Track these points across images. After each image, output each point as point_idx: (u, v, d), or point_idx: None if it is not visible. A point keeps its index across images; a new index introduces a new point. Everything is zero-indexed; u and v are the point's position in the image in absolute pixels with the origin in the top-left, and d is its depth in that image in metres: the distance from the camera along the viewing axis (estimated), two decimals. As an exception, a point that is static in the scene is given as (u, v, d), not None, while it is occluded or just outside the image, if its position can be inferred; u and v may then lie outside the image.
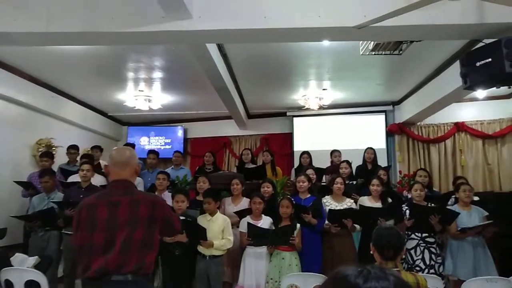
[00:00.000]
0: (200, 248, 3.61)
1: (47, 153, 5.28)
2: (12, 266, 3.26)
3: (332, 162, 5.85)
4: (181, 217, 3.56)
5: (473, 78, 3.38)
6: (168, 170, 5.63)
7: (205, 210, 3.76)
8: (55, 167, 5.30)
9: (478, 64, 3.26)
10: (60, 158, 5.67)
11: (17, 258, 3.41)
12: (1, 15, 3.36)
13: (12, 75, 5.33)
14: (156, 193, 4.60)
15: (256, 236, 3.60)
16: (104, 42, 4.06)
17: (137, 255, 1.95)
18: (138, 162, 2.21)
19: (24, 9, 3.37)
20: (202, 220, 3.69)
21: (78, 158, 5.56)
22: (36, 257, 3.56)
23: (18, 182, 4.91)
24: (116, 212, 1.98)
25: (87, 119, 7.24)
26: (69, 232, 3.78)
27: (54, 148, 5.99)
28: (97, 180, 4.71)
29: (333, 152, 5.93)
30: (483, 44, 3.40)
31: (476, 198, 4.25)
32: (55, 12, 3.37)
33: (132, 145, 6.41)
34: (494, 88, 3.75)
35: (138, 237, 1.96)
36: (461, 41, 4.52)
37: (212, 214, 3.73)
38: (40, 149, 5.80)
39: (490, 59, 3.18)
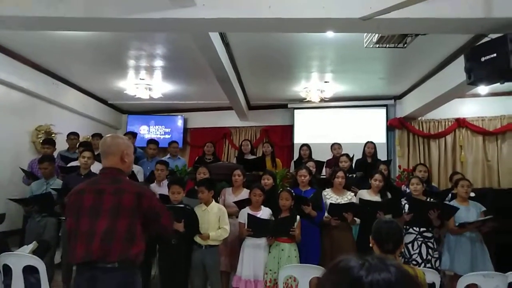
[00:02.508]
0: (197, 238, 3.61)
1: (49, 140, 5.26)
2: (11, 251, 3.27)
3: (333, 155, 5.85)
4: (180, 205, 3.57)
5: (477, 73, 3.36)
6: (165, 159, 5.63)
7: (199, 199, 3.76)
8: (55, 154, 5.29)
9: (483, 59, 3.24)
10: (59, 145, 5.65)
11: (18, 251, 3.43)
12: (2, -2, 3.32)
13: (14, 60, 5.30)
14: (155, 182, 4.60)
15: (256, 227, 3.61)
16: (106, 28, 4.02)
17: (120, 246, 1.94)
18: (124, 149, 2.13)
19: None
20: (198, 210, 3.67)
21: (77, 145, 5.55)
22: (34, 242, 3.57)
23: (23, 170, 4.91)
24: (100, 200, 1.99)
25: (87, 106, 7.21)
26: (68, 219, 3.77)
27: (53, 135, 5.97)
28: (97, 167, 4.69)
29: (333, 145, 5.93)
30: (489, 39, 3.37)
31: (472, 194, 4.25)
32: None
33: (134, 134, 6.39)
34: (497, 84, 3.74)
35: (122, 227, 1.95)
36: (466, 36, 4.48)
37: (207, 203, 3.72)
38: (39, 136, 5.79)
39: (495, 54, 3.16)
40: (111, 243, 1.93)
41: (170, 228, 2.31)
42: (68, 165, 4.99)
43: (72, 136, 5.61)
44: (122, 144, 2.16)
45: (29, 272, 3.04)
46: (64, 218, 4.07)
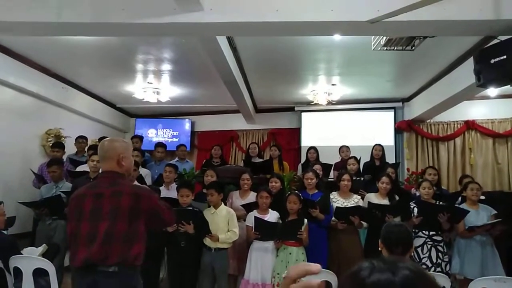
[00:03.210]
0: (206, 241, 3.62)
1: (59, 144, 5.33)
2: (21, 254, 3.30)
3: (341, 158, 5.83)
4: (188, 207, 3.58)
5: (487, 75, 3.32)
6: (173, 162, 5.66)
7: (208, 202, 3.77)
8: (64, 157, 5.35)
9: (492, 61, 3.21)
10: (68, 149, 5.71)
11: (26, 251, 3.46)
12: (13, 4, 3.37)
13: (23, 65, 5.36)
14: (163, 185, 4.62)
15: (263, 230, 3.61)
16: (114, 33, 4.06)
17: (120, 247, 1.95)
18: (120, 153, 2.14)
19: (36, -1, 3.38)
20: (207, 214, 3.69)
21: (86, 149, 5.61)
22: (44, 245, 3.60)
23: (34, 173, 4.96)
24: (100, 203, 2.01)
25: (95, 110, 7.28)
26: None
27: (63, 139, 6.03)
28: (105, 171, 4.74)
29: (341, 148, 5.91)
30: (498, 40, 3.34)
31: (482, 197, 4.21)
32: (66, 2, 3.38)
33: (141, 138, 6.44)
34: (507, 86, 3.70)
35: (121, 229, 1.97)
36: (475, 38, 4.44)
37: (216, 206, 3.74)
38: (49, 139, 5.85)
39: (505, 56, 3.12)
40: (111, 245, 1.94)
41: (172, 222, 2.39)
42: (77, 168, 5.04)
43: (81, 139, 5.67)
44: (119, 147, 2.17)
45: (39, 274, 3.07)
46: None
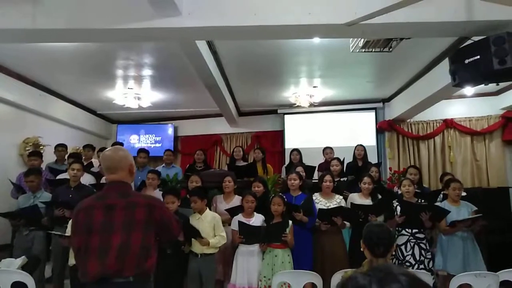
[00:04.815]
0: (193, 247, 3.58)
1: (36, 152, 5.20)
2: (-1, 267, 3.21)
3: (325, 159, 5.86)
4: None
5: (462, 75, 3.40)
6: (159, 168, 5.59)
7: (193, 209, 3.75)
8: (42, 166, 5.22)
9: (467, 61, 3.28)
10: (48, 157, 5.59)
11: (4, 262, 3.36)
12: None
13: (-2, 73, 5.24)
14: (146, 191, 4.56)
15: (247, 234, 3.60)
16: (92, 39, 4.00)
17: (136, 260, 1.92)
18: (131, 162, 2.15)
19: (10, 4, 3.30)
20: (192, 220, 3.66)
21: (66, 157, 5.49)
22: (23, 257, 3.50)
23: (12, 183, 4.84)
24: (112, 215, 1.96)
25: (76, 117, 7.15)
26: (58, 233, 3.71)
27: (41, 147, 5.90)
28: (86, 179, 4.66)
29: (325, 149, 5.95)
30: (472, 41, 3.43)
31: (463, 194, 4.29)
32: (42, 8, 3.31)
33: (121, 144, 6.35)
34: (483, 85, 3.79)
35: (137, 241, 1.94)
36: (450, 39, 4.55)
37: (201, 212, 3.71)
38: (27, 148, 5.72)
39: (478, 56, 3.20)
40: (126, 258, 1.90)
41: (178, 235, 2.37)
42: (57, 177, 4.93)
43: (60, 148, 5.55)
44: (128, 156, 2.16)
45: (18, 288, 2.98)
46: (54, 232, 4.01)
